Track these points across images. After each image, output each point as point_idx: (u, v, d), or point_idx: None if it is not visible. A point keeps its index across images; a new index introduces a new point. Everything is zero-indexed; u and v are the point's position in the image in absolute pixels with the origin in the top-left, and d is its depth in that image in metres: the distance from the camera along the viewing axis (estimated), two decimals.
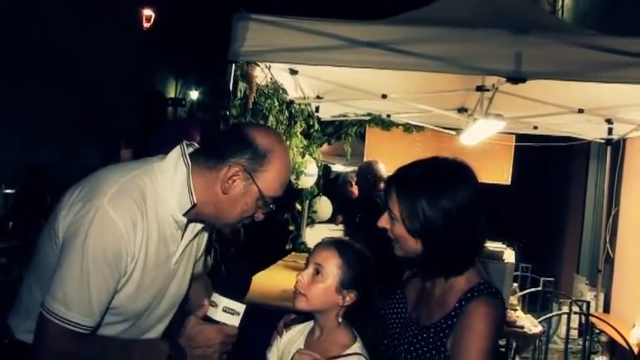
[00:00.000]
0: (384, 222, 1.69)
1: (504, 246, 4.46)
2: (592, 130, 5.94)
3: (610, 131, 5.67)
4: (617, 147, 6.14)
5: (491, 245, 4.25)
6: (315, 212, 6.53)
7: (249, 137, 1.65)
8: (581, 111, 4.82)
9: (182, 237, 1.71)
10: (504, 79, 3.38)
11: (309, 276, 1.75)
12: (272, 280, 4.36)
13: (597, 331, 5.29)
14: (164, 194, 1.62)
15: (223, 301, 1.63)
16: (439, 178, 1.61)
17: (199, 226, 1.75)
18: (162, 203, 1.61)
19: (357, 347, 1.73)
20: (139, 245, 1.57)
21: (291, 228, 6.31)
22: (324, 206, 6.54)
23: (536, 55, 3.07)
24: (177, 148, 1.68)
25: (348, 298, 1.73)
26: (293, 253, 5.99)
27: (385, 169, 4.78)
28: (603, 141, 5.99)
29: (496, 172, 6.54)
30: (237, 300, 1.64)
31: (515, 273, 5.81)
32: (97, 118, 10.58)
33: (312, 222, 6.70)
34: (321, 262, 1.75)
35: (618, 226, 6.25)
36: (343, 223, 6.87)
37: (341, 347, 1.72)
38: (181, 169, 1.63)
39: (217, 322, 1.63)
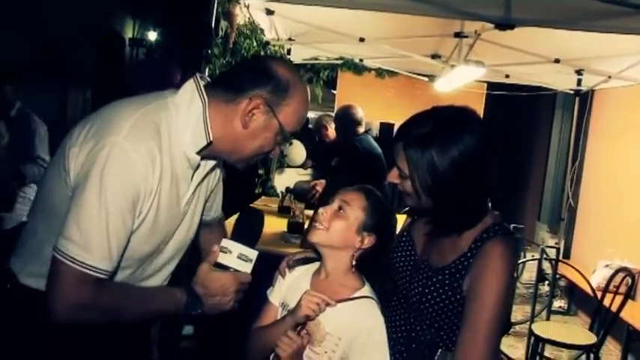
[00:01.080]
0: (393, 177, 1.65)
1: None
2: (562, 81, 5.99)
3: (579, 82, 5.72)
4: (584, 99, 6.22)
5: None
6: (285, 156, 6.48)
7: (270, 69, 1.56)
8: (557, 61, 4.84)
9: (192, 176, 1.61)
10: (488, 25, 3.33)
11: (332, 211, 1.70)
12: None
13: (558, 276, 5.47)
14: (178, 131, 1.52)
15: (237, 248, 1.57)
16: (446, 129, 1.54)
17: (210, 164, 1.67)
18: (176, 140, 1.52)
19: (366, 290, 1.72)
20: (156, 184, 1.48)
21: (261, 172, 6.26)
22: (297, 151, 6.49)
23: (525, 1, 3.02)
24: (191, 81, 1.58)
25: (366, 241, 1.68)
26: (263, 197, 5.95)
27: (363, 114, 4.74)
28: (572, 92, 6.05)
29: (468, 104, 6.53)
30: (249, 246, 1.60)
31: None
32: (54, 58, 10.13)
33: (281, 166, 6.66)
34: (347, 200, 1.70)
35: (582, 176, 6.39)
36: (312, 168, 6.84)
37: (350, 290, 1.71)
38: (197, 104, 1.54)
39: (229, 269, 1.59)
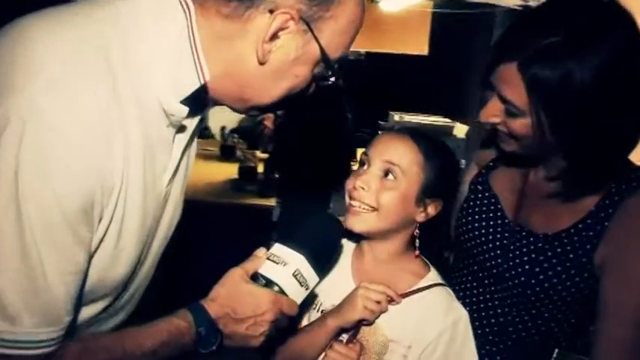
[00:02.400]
0: (492, 115, 1.12)
1: (449, 120, 4.04)
2: None
3: None
4: None
5: (433, 119, 3.82)
6: None
7: None
8: None
9: (174, 138, 0.96)
10: None
11: (376, 180, 1.14)
12: None
13: None
14: (147, 67, 0.87)
15: (297, 261, 0.99)
16: (586, 33, 1.02)
17: (197, 119, 1.01)
18: (143, 81, 0.86)
19: (434, 276, 1.20)
20: (119, 171, 0.83)
21: None
22: None
23: None
24: None
25: (430, 210, 1.17)
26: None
27: None
28: (521, 8, 5.63)
29: (412, 41, 6.07)
30: (317, 268, 1.01)
31: None
32: None
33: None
34: (394, 160, 1.14)
35: None
36: None
37: (413, 278, 1.18)
38: (174, 17, 0.88)
39: (273, 287, 0.98)
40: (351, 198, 1.15)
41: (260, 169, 3.62)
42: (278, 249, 1.00)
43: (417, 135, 1.19)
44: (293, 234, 1.03)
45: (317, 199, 3.72)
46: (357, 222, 1.14)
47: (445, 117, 4.01)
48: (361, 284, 1.12)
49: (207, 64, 0.90)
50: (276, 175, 3.51)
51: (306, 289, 1.00)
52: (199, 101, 0.94)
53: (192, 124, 0.98)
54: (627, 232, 1.09)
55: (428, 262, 1.22)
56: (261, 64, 0.91)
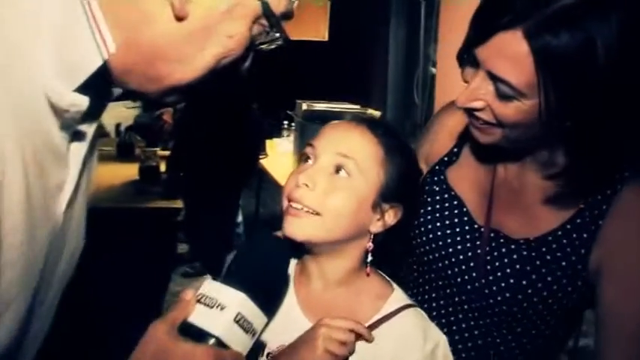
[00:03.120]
0: (475, 97, 0.92)
1: (359, 107, 3.91)
2: None
3: None
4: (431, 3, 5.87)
5: (343, 106, 3.69)
6: None
7: None
8: None
9: (69, 144, 0.72)
10: None
11: (325, 176, 0.94)
12: None
13: None
14: (21, 44, 0.64)
15: (236, 301, 0.78)
16: None
17: (97, 118, 0.76)
18: (19, 70, 0.63)
19: (401, 296, 1.00)
20: None
21: None
22: None
23: None
24: None
25: (389, 219, 0.97)
26: None
27: None
28: None
29: (311, 27, 5.96)
30: (264, 305, 0.81)
31: None
32: None
33: None
34: (348, 152, 0.94)
35: (436, 86, 6.13)
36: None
37: (375, 300, 0.98)
38: None
39: (209, 339, 0.76)
40: (290, 199, 0.93)
41: (163, 168, 3.36)
42: (211, 287, 0.79)
43: (376, 125, 0.99)
44: (229, 265, 0.84)
45: (226, 197, 3.53)
46: (298, 227, 0.91)
47: (353, 104, 3.91)
48: (322, 321, 0.90)
49: (110, 30, 0.68)
50: (181, 174, 3.28)
51: (253, 335, 0.79)
52: (100, 88, 0.71)
53: (91, 125, 0.75)
54: (626, 232, 0.96)
55: (388, 279, 1.03)
56: (179, 20, 0.69)
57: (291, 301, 0.99)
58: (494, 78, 0.89)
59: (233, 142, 3.32)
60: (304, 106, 3.51)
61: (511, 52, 0.85)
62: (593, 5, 0.82)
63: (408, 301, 1.00)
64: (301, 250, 0.98)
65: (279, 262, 0.88)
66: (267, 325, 0.82)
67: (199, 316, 0.77)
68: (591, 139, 0.90)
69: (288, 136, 4.40)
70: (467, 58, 0.93)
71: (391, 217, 0.97)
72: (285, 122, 4.45)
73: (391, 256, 1.04)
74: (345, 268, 0.98)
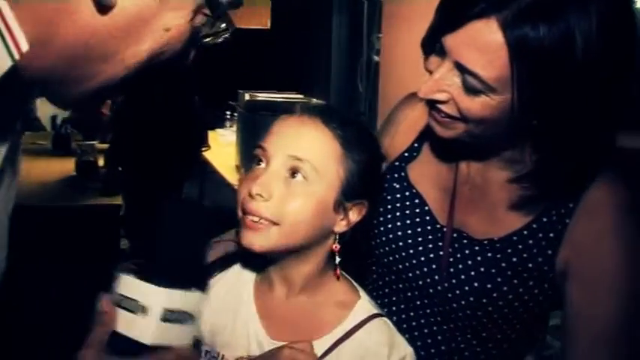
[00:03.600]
0: (438, 89, 0.86)
1: (304, 96, 3.88)
2: None
3: None
4: None
5: (286, 96, 3.65)
6: None
7: None
8: None
9: None
10: None
11: (280, 182, 0.88)
12: None
13: None
14: None
15: (161, 298, 0.70)
16: None
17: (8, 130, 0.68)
18: None
19: (367, 304, 0.95)
20: None
21: None
22: None
23: None
24: None
25: (353, 217, 0.92)
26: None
27: None
28: None
29: (254, 16, 5.87)
30: (185, 285, 0.73)
31: None
32: None
33: None
34: (303, 154, 0.88)
35: (380, 79, 6.13)
36: None
37: (340, 309, 0.93)
38: None
39: (145, 348, 0.69)
40: (244, 211, 0.87)
41: (101, 162, 3.25)
42: (127, 286, 0.72)
43: (331, 117, 0.92)
44: (142, 252, 0.77)
45: (167, 192, 3.44)
46: (256, 239, 0.87)
47: (297, 93, 3.87)
48: (287, 345, 0.87)
49: (22, 27, 0.58)
50: (120, 169, 3.18)
51: (192, 320, 0.74)
52: (15, 91, 0.63)
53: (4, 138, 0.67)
54: (594, 231, 0.93)
55: (355, 284, 0.97)
56: (103, 12, 0.60)
57: (249, 311, 0.95)
58: (462, 69, 0.83)
59: (174, 134, 3.24)
60: (247, 96, 3.45)
61: (483, 43, 0.80)
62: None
63: (375, 310, 0.95)
64: (261, 257, 0.93)
65: (201, 230, 0.80)
66: (203, 297, 0.76)
67: (125, 325, 0.71)
68: (562, 138, 0.86)
69: (230, 126, 4.33)
70: (432, 45, 0.88)
71: (355, 214, 0.93)
72: (228, 112, 4.38)
73: (358, 255, 1.00)
74: (310, 272, 0.93)
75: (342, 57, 7.63)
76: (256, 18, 5.91)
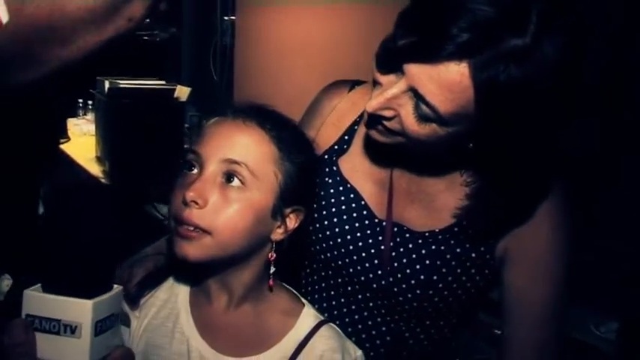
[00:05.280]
0: (386, 106, 0.83)
1: (164, 82, 3.70)
2: None
3: None
4: None
5: (149, 83, 3.49)
6: None
7: None
8: None
9: None
10: None
11: (215, 189, 0.83)
12: None
13: None
14: None
15: (86, 314, 0.60)
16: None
17: None
18: None
19: (312, 311, 0.94)
20: None
21: None
22: None
23: None
24: None
25: (291, 224, 0.90)
26: None
27: None
28: None
29: None
30: (107, 285, 0.64)
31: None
32: None
33: None
34: (237, 157, 0.84)
35: (235, 63, 6.05)
36: None
37: (286, 317, 0.92)
38: None
39: None
40: (178, 220, 0.83)
41: None
42: (43, 304, 0.61)
43: (266, 118, 0.88)
44: (42, 261, 0.65)
45: (24, 188, 3.15)
46: (189, 249, 0.82)
47: (159, 79, 3.71)
48: None
49: None
50: None
51: (119, 317, 0.67)
52: None
53: None
54: (532, 218, 0.96)
55: (294, 292, 0.96)
56: None
57: (187, 325, 0.90)
58: (418, 97, 0.81)
59: (27, 125, 2.97)
60: (107, 84, 3.25)
61: (450, 82, 0.78)
62: (545, 43, 0.78)
63: (320, 317, 0.95)
64: (197, 268, 0.89)
65: (101, 211, 0.74)
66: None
67: (53, 351, 0.61)
68: (515, 157, 0.87)
69: (84, 115, 4.06)
70: (387, 61, 0.85)
71: (293, 221, 0.90)
72: (80, 101, 4.09)
73: (293, 261, 0.98)
74: (249, 281, 0.90)
75: (195, 41, 7.44)
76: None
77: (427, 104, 0.80)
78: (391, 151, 0.98)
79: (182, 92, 3.39)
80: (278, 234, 0.89)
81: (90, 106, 3.92)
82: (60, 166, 3.38)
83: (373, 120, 0.89)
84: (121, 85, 3.22)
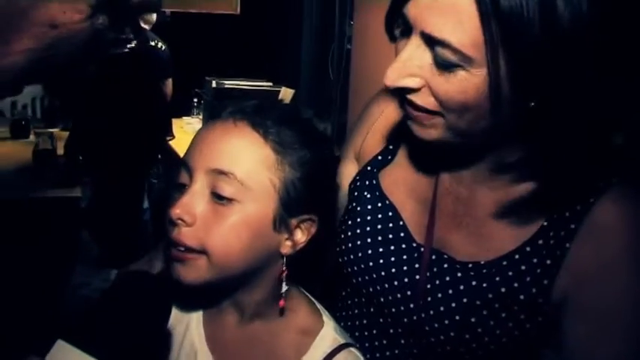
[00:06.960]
0: (407, 72, 0.71)
1: (272, 84, 3.76)
2: None
3: None
4: None
5: (254, 84, 3.55)
6: None
7: None
8: None
9: None
10: None
11: (202, 204, 0.74)
12: None
13: None
14: None
15: None
16: None
17: None
18: None
19: (332, 332, 0.82)
20: None
21: None
22: None
23: None
24: None
25: (300, 236, 0.79)
26: None
27: None
28: None
29: (223, 0, 5.72)
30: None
31: None
32: None
33: None
34: (225, 166, 0.74)
35: (351, 67, 6.05)
36: None
37: (303, 337, 0.81)
38: None
39: None
40: (169, 241, 0.75)
41: (61, 151, 3.11)
42: (66, 356, 0.59)
43: (262, 118, 0.77)
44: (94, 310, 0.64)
45: (130, 183, 3.31)
46: (183, 272, 0.74)
47: (267, 81, 3.76)
48: None
49: None
50: (80, 158, 3.04)
51: None
52: None
53: None
54: (599, 257, 0.77)
55: (319, 306, 0.85)
56: None
57: (197, 336, 0.83)
58: (430, 41, 0.70)
59: (136, 123, 3.11)
60: (213, 84, 3.34)
61: (449, 4, 0.67)
62: None
63: (341, 339, 0.83)
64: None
65: (156, 308, 0.68)
66: None
67: None
68: (560, 129, 0.71)
69: (197, 114, 4.22)
70: (394, 22, 0.75)
71: (302, 233, 0.79)
72: (195, 100, 4.26)
73: (313, 277, 0.87)
74: (259, 299, 0.81)
75: (313, 44, 7.53)
76: (226, 3, 5.75)
77: (440, 42, 0.68)
78: (438, 161, 0.86)
79: (286, 94, 3.41)
80: (287, 247, 0.78)
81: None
82: (166, 163, 3.52)
83: (404, 103, 0.77)
84: (227, 86, 3.30)
